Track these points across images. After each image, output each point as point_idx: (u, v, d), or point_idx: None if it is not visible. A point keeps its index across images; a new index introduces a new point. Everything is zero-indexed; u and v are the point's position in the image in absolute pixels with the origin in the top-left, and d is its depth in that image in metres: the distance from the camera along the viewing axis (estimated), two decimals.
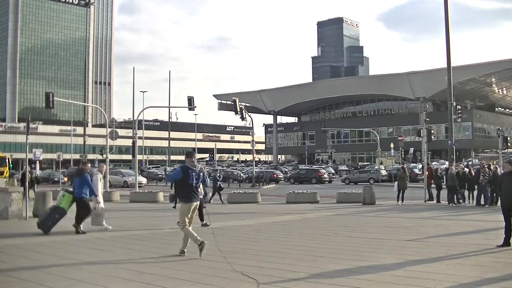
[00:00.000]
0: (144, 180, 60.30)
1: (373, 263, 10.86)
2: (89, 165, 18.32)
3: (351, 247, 13.64)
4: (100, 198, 17.24)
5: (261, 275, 9.77)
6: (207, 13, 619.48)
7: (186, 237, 12.12)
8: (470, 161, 68.57)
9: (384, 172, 62.90)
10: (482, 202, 27.76)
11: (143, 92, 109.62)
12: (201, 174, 12.32)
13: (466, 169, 30.87)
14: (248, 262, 11.29)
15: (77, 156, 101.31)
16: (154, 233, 16.99)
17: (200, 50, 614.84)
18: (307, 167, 77.82)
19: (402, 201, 29.55)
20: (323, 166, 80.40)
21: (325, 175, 64.95)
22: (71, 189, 17.30)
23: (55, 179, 60.14)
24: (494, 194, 27.83)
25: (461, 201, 28.44)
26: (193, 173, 12.07)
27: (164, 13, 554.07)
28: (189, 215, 12.12)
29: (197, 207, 12.66)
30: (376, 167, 67.22)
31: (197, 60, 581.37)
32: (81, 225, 16.65)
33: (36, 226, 16.81)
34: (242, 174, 66.36)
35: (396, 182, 32.20)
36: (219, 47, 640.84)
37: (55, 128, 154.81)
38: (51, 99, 37.21)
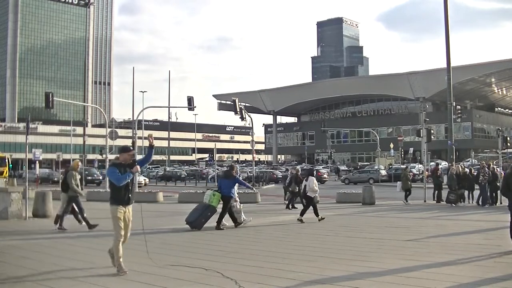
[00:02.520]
0: (146, 180, 60.38)
1: (374, 263, 10.86)
2: (237, 167, 20.49)
3: (351, 247, 13.64)
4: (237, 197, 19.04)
5: (261, 275, 9.77)
6: (208, 13, 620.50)
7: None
8: (468, 161, 68.60)
9: (383, 172, 62.91)
10: (480, 202, 27.86)
11: (143, 92, 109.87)
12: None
13: (467, 169, 30.90)
14: (248, 262, 11.29)
15: (76, 156, 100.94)
16: (154, 233, 16.97)
17: (201, 50, 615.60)
18: (309, 167, 77.69)
19: (407, 201, 29.69)
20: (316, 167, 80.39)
21: (325, 175, 65.03)
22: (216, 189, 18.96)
23: (55, 179, 60.00)
24: (494, 194, 27.90)
25: (454, 200, 28.41)
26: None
27: (164, 13, 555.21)
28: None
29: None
30: (376, 167, 67.20)
31: (197, 60, 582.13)
32: (221, 222, 18.00)
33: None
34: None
35: (399, 182, 32.20)
36: (219, 47, 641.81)
37: (55, 128, 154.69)
38: (50, 99, 37.21)
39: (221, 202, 18.23)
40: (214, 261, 11.30)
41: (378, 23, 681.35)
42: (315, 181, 20.60)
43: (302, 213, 19.98)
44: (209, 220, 17.96)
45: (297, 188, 26.43)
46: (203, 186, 47.98)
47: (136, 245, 13.19)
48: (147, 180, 61.56)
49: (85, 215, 18.22)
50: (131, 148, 11.18)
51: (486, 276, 9.52)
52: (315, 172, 23.51)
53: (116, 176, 10.31)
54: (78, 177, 18.72)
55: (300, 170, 29.30)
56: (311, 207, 20.19)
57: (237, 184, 18.98)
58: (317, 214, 20.07)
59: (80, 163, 19.47)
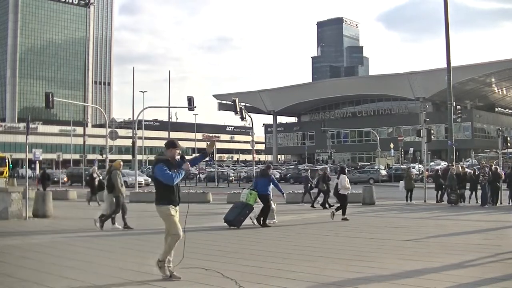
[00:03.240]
0: (148, 180, 60.20)
1: (373, 263, 10.85)
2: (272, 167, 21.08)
3: (351, 247, 13.65)
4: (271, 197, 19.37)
5: (261, 275, 9.77)
6: (208, 13, 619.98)
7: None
8: (468, 161, 68.66)
9: (384, 172, 62.86)
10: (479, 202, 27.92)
11: (143, 92, 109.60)
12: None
13: (468, 170, 30.93)
14: (248, 262, 11.29)
15: (76, 156, 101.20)
16: (154, 233, 16.98)
17: (201, 50, 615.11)
18: (310, 167, 77.70)
19: (410, 200, 29.76)
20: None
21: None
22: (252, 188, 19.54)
23: (55, 179, 60.00)
24: (494, 194, 27.91)
25: (454, 200, 28.46)
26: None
27: (164, 13, 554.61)
28: None
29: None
30: (376, 167, 67.20)
31: (197, 60, 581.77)
32: (267, 219, 18.81)
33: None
34: (231, 174, 66.80)
35: (401, 182, 32.24)
36: (219, 47, 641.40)
37: (55, 128, 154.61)
38: (50, 99, 37.22)
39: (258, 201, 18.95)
40: (214, 261, 11.30)
41: (378, 23, 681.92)
42: (346, 179, 21.10)
43: (343, 212, 20.36)
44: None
45: (326, 186, 27.49)
46: (203, 186, 47.94)
47: (136, 244, 13.20)
48: (148, 180, 61.21)
49: (126, 215, 18.20)
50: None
51: (486, 276, 9.51)
52: (346, 170, 23.82)
53: (168, 174, 9.44)
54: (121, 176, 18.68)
55: (327, 169, 30.34)
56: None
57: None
58: (343, 213, 20.36)
59: (122, 162, 19.50)
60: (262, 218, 18.65)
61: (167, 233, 9.81)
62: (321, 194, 28.58)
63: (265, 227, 18.34)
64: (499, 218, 20.71)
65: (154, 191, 10.05)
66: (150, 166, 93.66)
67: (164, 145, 9.94)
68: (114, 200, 17.92)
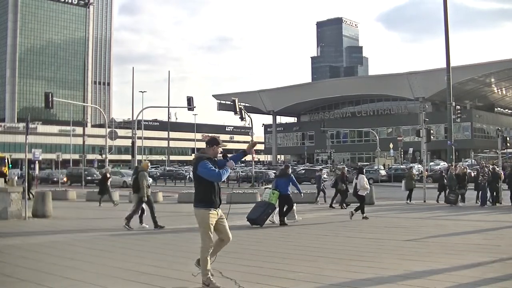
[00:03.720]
0: (150, 181, 60.07)
1: (373, 263, 10.86)
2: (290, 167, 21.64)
3: (351, 247, 13.65)
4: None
5: (261, 275, 9.77)
6: (208, 13, 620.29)
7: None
8: (467, 161, 68.65)
9: (383, 172, 62.77)
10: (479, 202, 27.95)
11: (143, 92, 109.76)
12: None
13: (468, 170, 30.97)
14: (247, 262, 11.29)
15: (76, 156, 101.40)
16: (153, 234, 16.99)
17: (201, 50, 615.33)
18: (307, 167, 77.65)
19: (410, 200, 29.79)
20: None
21: (325, 175, 64.98)
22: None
23: (55, 179, 60.01)
24: (494, 194, 27.95)
25: (454, 200, 28.51)
26: None
27: (165, 13, 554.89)
28: None
29: None
30: (376, 167, 67.18)
31: (197, 60, 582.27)
32: (285, 218, 19.38)
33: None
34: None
35: (404, 181, 32.32)
36: (219, 48, 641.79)
37: (55, 128, 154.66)
38: (50, 99, 37.25)
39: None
40: (214, 261, 11.30)
41: (378, 23, 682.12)
42: (365, 179, 21.65)
43: (362, 212, 20.80)
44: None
45: (344, 186, 27.70)
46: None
47: (136, 244, 13.19)
48: (150, 180, 61.06)
49: (155, 214, 18.28)
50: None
51: (485, 276, 9.52)
52: (364, 170, 24.19)
53: (215, 171, 8.70)
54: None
55: (345, 169, 30.74)
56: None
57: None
58: (363, 212, 20.83)
59: (149, 164, 19.69)
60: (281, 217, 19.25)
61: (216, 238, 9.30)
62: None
63: (283, 226, 18.84)
64: (499, 218, 20.73)
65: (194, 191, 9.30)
66: (151, 165, 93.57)
67: (205, 143, 9.37)
68: (137, 200, 18.19)
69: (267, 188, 20.86)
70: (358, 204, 21.00)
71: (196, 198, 9.11)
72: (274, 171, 68.44)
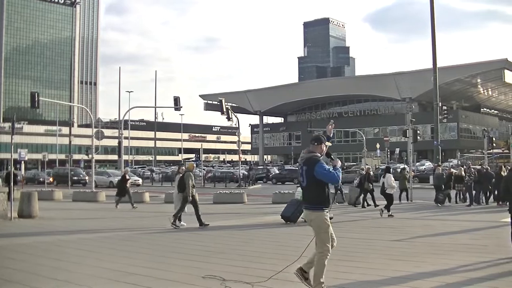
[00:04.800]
0: (139, 180, 59.75)
1: (361, 264, 10.87)
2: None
3: (339, 247, 13.60)
4: None
5: (248, 275, 9.74)
6: (196, 13, 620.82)
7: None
8: (451, 162, 68.92)
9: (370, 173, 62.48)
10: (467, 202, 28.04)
11: (129, 92, 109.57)
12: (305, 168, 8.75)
13: (454, 170, 31.06)
14: (234, 263, 11.26)
15: (62, 156, 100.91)
16: (141, 234, 16.93)
17: (189, 50, 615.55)
18: (291, 168, 77.83)
19: (400, 201, 29.80)
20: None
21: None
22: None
23: (41, 179, 59.75)
24: (487, 194, 28.16)
25: (441, 200, 28.66)
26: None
27: (153, 13, 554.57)
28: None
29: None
30: (362, 167, 67.34)
31: (185, 61, 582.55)
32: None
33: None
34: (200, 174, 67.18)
35: (397, 182, 32.48)
36: (207, 48, 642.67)
37: (41, 128, 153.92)
38: (36, 99, 36.99)
39: None
40: (200, 261, 11.28)
41: (365, 23, 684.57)
42: (392, 177, 22.97)
43: (388, 209, 22.16)
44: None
45: (371, 185, 28.27)
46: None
47: (123, 245, 13.12)
48: (139, 180, 60.57)
49: (199, 213, 18.84)
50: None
51: (472, 276, 9.54)
52: (392, 169, 25.61)
53: (333, 174, 8.33)
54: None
55: (370, 168, 31.84)
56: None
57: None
58: (389, 209, 22.07)
59: (195, 164, 20.49)
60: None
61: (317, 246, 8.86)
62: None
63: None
64: (486, 218, 20.79)
65: (310, 193, 8.85)
66: (136, 166, 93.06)
67: (313, 140, 9.01)
68: (182, 199, 18.80)
69: (299, 186, 20.96)
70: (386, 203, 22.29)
71: (312, 200, 8.78)
72: (245, 171, 67.84)
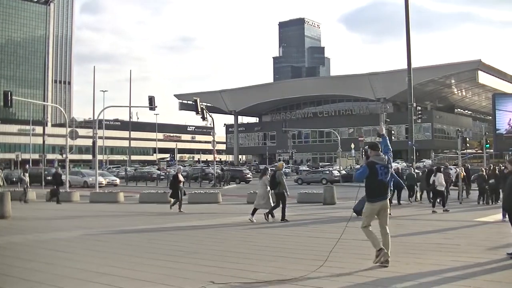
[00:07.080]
0: (116, 180, 59.45)
1: (334, 263, 10.88)
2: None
3: (312, 247, 13.67)
4: None
5: (222, 275, 9.73)
6: (171, 13, 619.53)
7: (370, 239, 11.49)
8: (423, 161, 69.47)
9: (336, 173, 62.34)
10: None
11: (104, 91, 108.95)
12: (389, 167, 11.09)
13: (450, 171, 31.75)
14: (209, 263, 11.23)
15: (36, 156, 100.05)
16: (115, 234, 16.85)
17: (164, 50, 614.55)
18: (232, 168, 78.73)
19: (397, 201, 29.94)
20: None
21: (249, 175, 65.45)
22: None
23: (14, 179, 59.16)
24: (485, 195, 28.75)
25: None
26: (381, 167, 10.86)
27: (127, 13, 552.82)
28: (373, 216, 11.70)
29: (385, 206, 11.42)
30: (330, 168, 67.89)
31: (160, 60, 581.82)
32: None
33: None
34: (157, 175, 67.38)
35: None
36: (182, 48, 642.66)
37: (14, 128, 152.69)
38: (9, 98, 36.70)
39: None
40: (175, 262, 11.26)
41: (340, 24, 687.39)
42: (442, 176, 24.54)
43: (443, 205, 24.26)
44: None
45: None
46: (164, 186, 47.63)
47: (96, 245, 13.03)
48: (117, 180, 60.16)
49: (285, 209, 20.48)
50: None
51: (445, 275, 9.59)
52: (442, 168, 27.36)
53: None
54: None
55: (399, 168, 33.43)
56: None
57: None
58: (433, 205, 24.30)
59: (284, 164, 23.77)
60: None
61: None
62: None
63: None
64: (458, 218, 20.96)
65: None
66: (111, 166, 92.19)
67: (370, 147, 11.14)
68: (275, 195, 20.42)
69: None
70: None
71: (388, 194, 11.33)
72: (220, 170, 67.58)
